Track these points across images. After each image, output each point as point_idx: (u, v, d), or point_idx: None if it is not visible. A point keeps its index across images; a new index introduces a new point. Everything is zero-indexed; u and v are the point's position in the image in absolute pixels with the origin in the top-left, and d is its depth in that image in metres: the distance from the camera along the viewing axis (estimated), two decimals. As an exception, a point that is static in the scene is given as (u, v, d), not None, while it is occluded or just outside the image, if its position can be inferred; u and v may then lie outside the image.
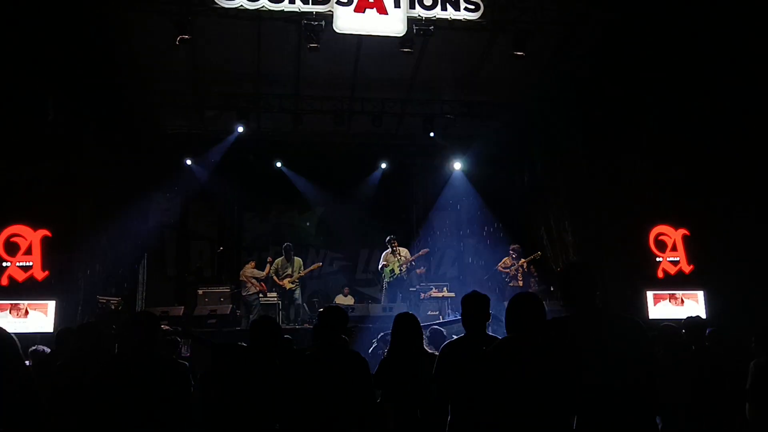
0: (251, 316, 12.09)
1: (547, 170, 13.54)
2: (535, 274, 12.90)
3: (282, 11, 9.75)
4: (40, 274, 9.42)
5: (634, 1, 10.29)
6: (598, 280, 3.52)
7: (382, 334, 7.19)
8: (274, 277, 12.71)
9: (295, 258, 12.86)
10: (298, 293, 12.71)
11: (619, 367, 3.20)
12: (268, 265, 12.91)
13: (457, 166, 15.47)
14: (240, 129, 13.80)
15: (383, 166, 15.80)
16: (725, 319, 9.05)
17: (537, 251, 12.54)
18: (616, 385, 3.19)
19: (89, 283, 10.87)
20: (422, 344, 5.05)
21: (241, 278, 12.97)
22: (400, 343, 4.94)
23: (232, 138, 14.11)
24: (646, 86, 10.90)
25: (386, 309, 11.23)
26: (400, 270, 12.21)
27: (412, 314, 5.07)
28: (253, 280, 12.71)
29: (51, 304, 9.16)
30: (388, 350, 5.14)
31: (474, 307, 4.36)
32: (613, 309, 3.66)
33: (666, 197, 10.84)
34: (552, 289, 12.41)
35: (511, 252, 12.55)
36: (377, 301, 13.21)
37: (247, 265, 13.13)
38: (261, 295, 12.66)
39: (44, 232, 9.62)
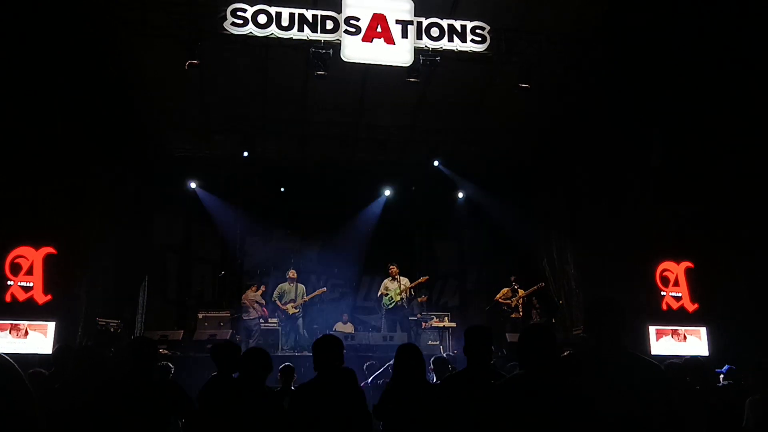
0: (251, 341, 12.01)
1: (550, 201, 13.55)
2: (537, 305, 12.85)
3: (291, 39, 9.87)
4: (41, 297, 9.39)
5: (638, 34, 10.40)
6: (626, 318, 3.38)
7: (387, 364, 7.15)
8: (277, 302, 12.65)
9: (299, 284, 12.80)
10: (301, 320, 12.63)
11: (636, 411, 3.10)
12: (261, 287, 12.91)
13: (461, 194, 15.49)
14: (245, 153, 13.86)
15: (387, 192, 15.83)
16: (728, 356, 8.96)
17: (540, 282, 12.49)
18: (631, 429, 3.09)
19: (90, 304, 10.84)
20: (424, 376, 5.01)
21: (242, 302, 12.91)
22: (402, 374, 4.89)
23: (237, 162, 14.17)
24: (650, 119, 10.95)
25: (386, 338, 11.16)
26: (400, 298, 12.14)
27: (414, 345, 5.04)
28: (255, 305, 12.67)
29: (51, 325, 9.12)
30: (390, 382, 5.10)
31: (477, 339, 4.33)
32: (633, 349, 3.54)
33: (669, 231, 10.81)
34: (553, 321, 12.34)
35: (512, 283, 12.51)
36: (378, 329, 13.13)
37: (248, 290, 13.08)
38: (262, 320, 12.59)
39: (48, 249, 9.62)
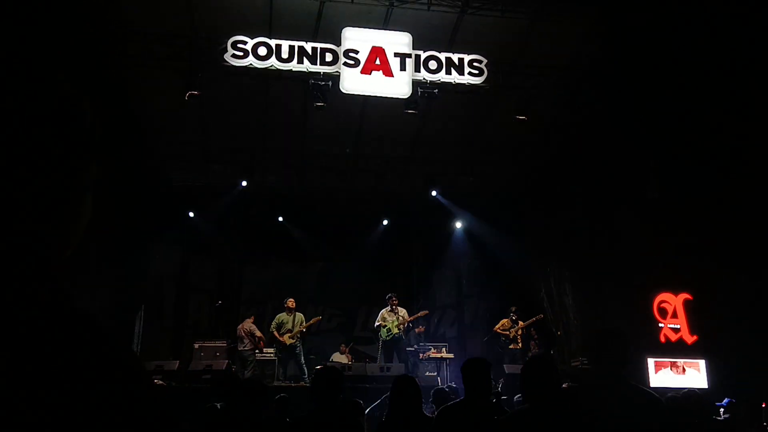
0: (245, 372, 11.89)
1: (547, 232, 13.58)
2: (536, 336, 12.79)
3: (290, 71, 9.99)
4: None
5: (633, 68, 10.54)
6: (629, 349, 3.40)
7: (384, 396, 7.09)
8: (275, 333, 12.49)
9: (297, 313, 12.66)
10: (300, 349, 12.50)
11: None
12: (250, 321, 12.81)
13: (459, 224, 15.52)
14: (244, 183, 13.90)
15: (384, 222, 15.85)
16: (728, 388, 8.91)
17: (538, 314, 12.45)
18: None
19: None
20: (421, 408, 4.96)
21: (238, 333, 12.79)
22: (398, 406, 4.85)
23: (235, 191, 14.21)
24: (647, 151, 11.04)
25: (383, 369, 11.07)
26: (398, 329, 12.06)
27: (411, 377, 5.00)
28: (249, 336, 12.53)
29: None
30: (386, 414, 5.05)
31: (476, 372, 4.31)
32: (635, 380, 3.54)
33: (667, 263, 10.82)
34: (552, 352, 12.28)
35: (512, 314, 12.47)
36: (375, 360, 13.03)
37: (247, 320, 12.96)
38: (257, 351, 12.46)
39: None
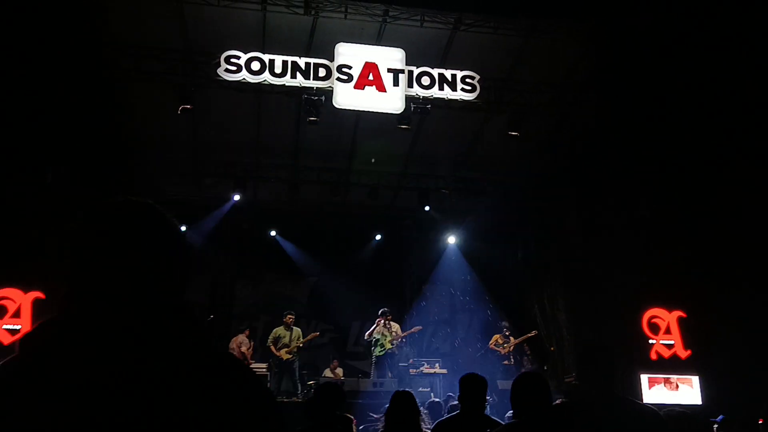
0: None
1: (540, 248, 13.59)
2: (529, 352, 12.76)
3: (283, 86, 10.01)
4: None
5: (627, 84, 10.60)
6: (618, 365, 3.40)
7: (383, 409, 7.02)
8: (271, 347, 12.38)
9: (295, 328, 12.56)
10: (296, 365, 12.39)
11: None
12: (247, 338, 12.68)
13: (452, 240, 15.52)
14: (236, 197, 13.87)
15: (378, 237, 15.83)
16: (722, 405, 8.89)
17: (533, 330, 12.42)
18: None
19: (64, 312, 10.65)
20: (418, 424, 4.93)
21: (230, 347, 12.64)
22: (395, 422, 4.81)
23: (228, 206, 14.17)
24: (640, 166, 11.08)
25: (377, 384, 11.00)
26: (391, 345, 12.00)
27: (409, 392, 4.95)
28: (240, 350, 12.39)
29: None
30: (383, 430, 5.00)
31: (472, 388, 4.30)
32: (628, 395, 3.53)
33: (661, 278, 10.83)
34: (545, 368, 12.24)
35: (504, 330, 12.44)
36: (368, 375, 12.94)
37: (241, 334, 12.81)
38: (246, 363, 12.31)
39: (36, 294, 9.51)
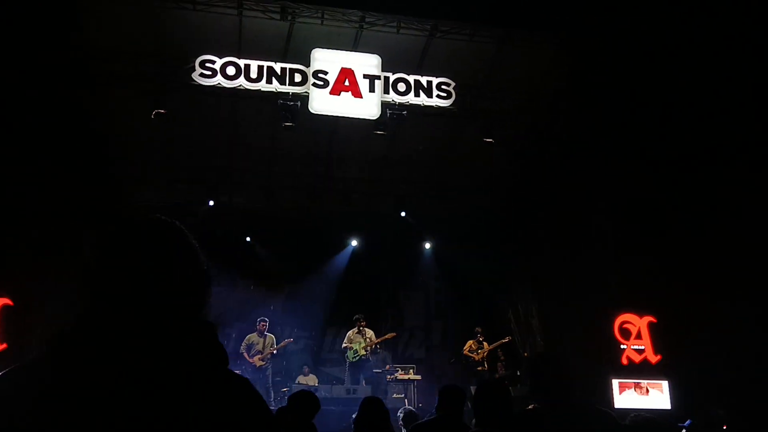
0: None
1: (514, 254, 13.69)
2: (503, 358, 12.81)
3: (259, 91, 9.97)
4: (-2, 345, 9.09)
5: (600, 92, 10.76)
6: (568, 372, 3.44)
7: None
8: (245, 355, 12.28)
9: (268, 334, 12.47)
10: (269, 371, 12.30)
11: None
12: None
13: (427, 246, 15.56)
14: (211, 202, 13.74)
15: (354, 243, 15.80)
16: (691, 409, 9.02)
17: (505, 335, 12.48)
18: None
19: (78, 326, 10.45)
20: (389, 429, 4.94)
21: None
22: (364, 428, 4.81)
23: (202, 211, 14.03)
24: (610, 173, 11.22)
25: (350, 391, 10.98)
26: (365, 351, 11.97)
27: (378, 399, 4.97)
28: None
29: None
30: (353, 434, 5.00)
31: (450, 398, 4.35)
32: (585, 400, 3.57)
33: (632, 283, 10.97)
34: (518, 373, 12.31)
35: (477, 335, 12.48)
36: (342, 381, 12.91)
37: None
38: None
39: (5, 300, 9.34)
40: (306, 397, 4.50)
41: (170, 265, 1.36)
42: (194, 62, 9.70)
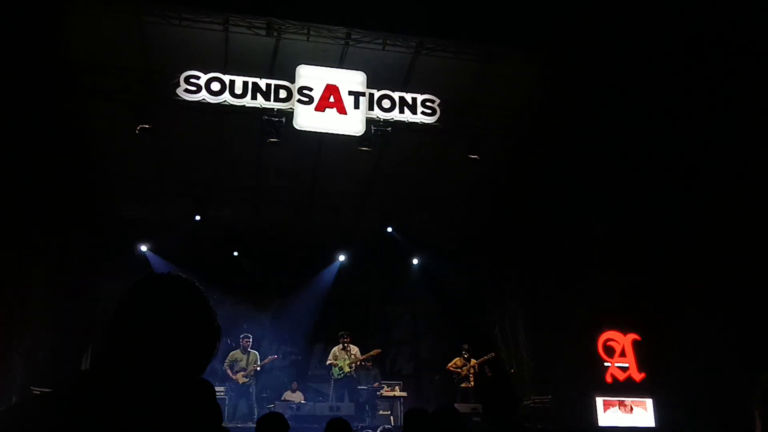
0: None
1: (501, 270, 13.68)
2: (489, 374, 12.75)
3: (244, 106, 9.98)
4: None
5: (582, 110, 10.81)
6: (518, 395, 3.53)
7: None
8: (228, 371, 12.18)
9: (251, 351, 12.36)
10: (253, 388, 12.20)
11: None
12: None
13: (415, 261, 15.54)
14: (198, 217, 13.71)
15: (341, 258, 15.78)
16: (675, 426, 9.00)
17: (491, 352, 12.42)
18: None
19: (27, 373, 10.37)
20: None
21: None
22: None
23: (189, 225, 14.00)
24: (595, 191, 11.26)
25: (333, 408, 10.89)
26: (350, 368, 11.89)
27: (343, 420, 4.93)
28: None
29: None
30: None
31: (414, 422, 4.37)
32: (530, 423, 3.66)
33: (616, 302, 10.97)
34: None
35: (464, 352, 12.43)
36: (326, 398, 12.82)
37: None
38: None
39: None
40: (274, 420, 4.46)
41: (179, 324, 1.42)
42: (179, 77, 9.71)
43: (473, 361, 12.30)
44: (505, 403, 3.45)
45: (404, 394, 12.14)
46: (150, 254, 14.62)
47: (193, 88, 9.69)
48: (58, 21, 9.49)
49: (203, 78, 9.75)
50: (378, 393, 12.24)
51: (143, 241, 14.56)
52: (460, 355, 12.48)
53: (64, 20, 9.51)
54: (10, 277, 9.69)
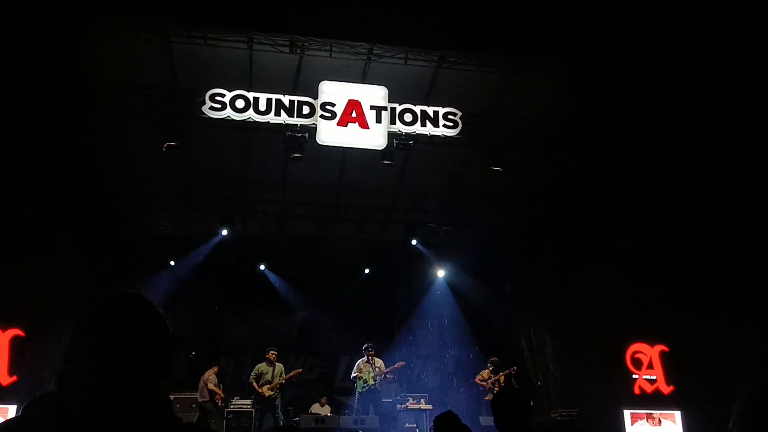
0: (210, 423, 11.67)
1: (526, 282, 13.62)
2: (517, 387, 12.65)
3: (268, 123, 10.14)
4: (5, 379, 9.15)
5: (608, 119, 10.75)
6: (529, 407, 3.58)
7: None
8: (254, 384, 12.28)
9: (277, 364, 12.42)
10: (279, 401, 12.28)
11: None
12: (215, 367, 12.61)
13: (440, 273, 15.55)
14: (224, 232, 13.92)
15: (366, 271, 15.86)
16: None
17: (513, 365, 12.29)
18: None
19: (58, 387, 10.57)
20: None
21: (200, 384, 12.46)
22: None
23: (216, 240, 14.22)
24: (622, 201, 11.16)
25: (358, 421, 10.91)
26: (374, 381, 11.91)
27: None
28: (207, 387, 12.23)
29: (12, 409, 8.84)
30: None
31: (446, 427, 4.41)
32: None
33: (643, 313, 10.83)
34: (531, 403, 12.16)
35: (489, 365, 12.37)
36: (353, 410, 12.84)
37: (209, 370, 12.68)
38: (217, 403, 12.19)
39: (16, 331, 9.45)
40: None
41: (132, 341, 1.50)
42: (204, 96, 9.91)
43: (500, 374, 12.23)
44: (515, 415, 3.47)
45: (430, 407, 12.13)
46: (177, 268, 14.87)
47: (218, 106, 9.88)
48: (89, 44, 9.75)
49: (228, 96, 9.94)
50: (402, 406, 12.24)
51: (171, 255, 14.82)
52: (486, 367, 12.42)
53: (95, 43, 9.78)
54: (39, 292, 9.91)
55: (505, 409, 3.58)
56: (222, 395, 12.30)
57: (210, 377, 12.39)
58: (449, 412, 4.58)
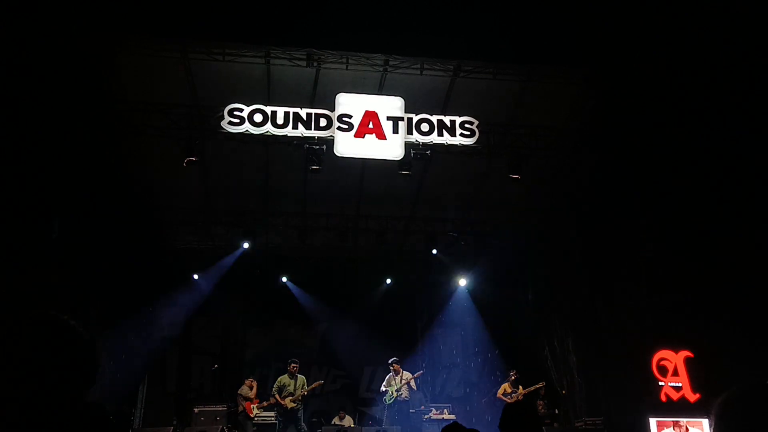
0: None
1: (549, 290, 13.51)
2: (543, 393, 12.50)
3: (286, 136, 10.23)
4: None
5: (626, 127, 10.68)
6: (540, 420, 3.59)
7: None
8: (276, 396, 12.34)
9: (299, 375, 12.48)
10: (301, 413, 12.33)
11: None
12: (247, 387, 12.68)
13: (462, 283, 15.49)
14: (246, 245, 14.05)
15: (387, 281, 15.87)
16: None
17: (543, 377, 12.17)
18: None
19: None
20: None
21: (239, 393, 12.63)
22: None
23: (238, 253, 14.36)
24: (644, 208, 11.06)
25: (381, 432, 10.92)
26: (398, 393, 11.93)
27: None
28: (245, 402, 12.34)
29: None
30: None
31: None
32: None
33: (667, 320, 10.70)
34: (556, 411, 12.06)
35: (511, 376, 12.30)
36: (378, 422, 12.85)
37: (244, 384, 12.80)
38: (249, 415, 12.27)
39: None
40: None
41: (49, 357, 1.58)
42: (223, 111, 10.04)
43: (521, 388, 12.13)
44: (524, 425, 3.45)
45: (453, 417, 12.09)
46: (200, 281, 15.01)
47: (237, 120, 9.99)
48: (111, 64, 9.95)
49: (246, 110, 10.05)
50: (426, 416, 12.22)
51: (194, 269, 14.98)
52: (508, 381, 12.34)
53: (116, 63, 9.97)
54: (66, 307, 10.07)
55: (515, 419, 3.57)
56: (256, 401, 12.40)
57: (243, 390, 12.53)
58: (455, 423, 4.57)
